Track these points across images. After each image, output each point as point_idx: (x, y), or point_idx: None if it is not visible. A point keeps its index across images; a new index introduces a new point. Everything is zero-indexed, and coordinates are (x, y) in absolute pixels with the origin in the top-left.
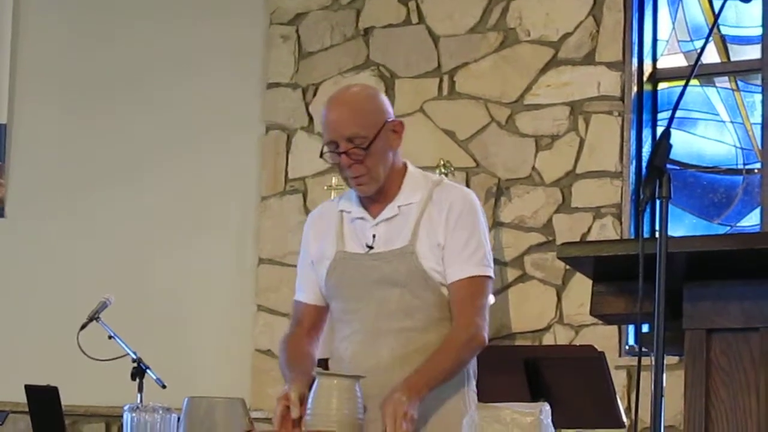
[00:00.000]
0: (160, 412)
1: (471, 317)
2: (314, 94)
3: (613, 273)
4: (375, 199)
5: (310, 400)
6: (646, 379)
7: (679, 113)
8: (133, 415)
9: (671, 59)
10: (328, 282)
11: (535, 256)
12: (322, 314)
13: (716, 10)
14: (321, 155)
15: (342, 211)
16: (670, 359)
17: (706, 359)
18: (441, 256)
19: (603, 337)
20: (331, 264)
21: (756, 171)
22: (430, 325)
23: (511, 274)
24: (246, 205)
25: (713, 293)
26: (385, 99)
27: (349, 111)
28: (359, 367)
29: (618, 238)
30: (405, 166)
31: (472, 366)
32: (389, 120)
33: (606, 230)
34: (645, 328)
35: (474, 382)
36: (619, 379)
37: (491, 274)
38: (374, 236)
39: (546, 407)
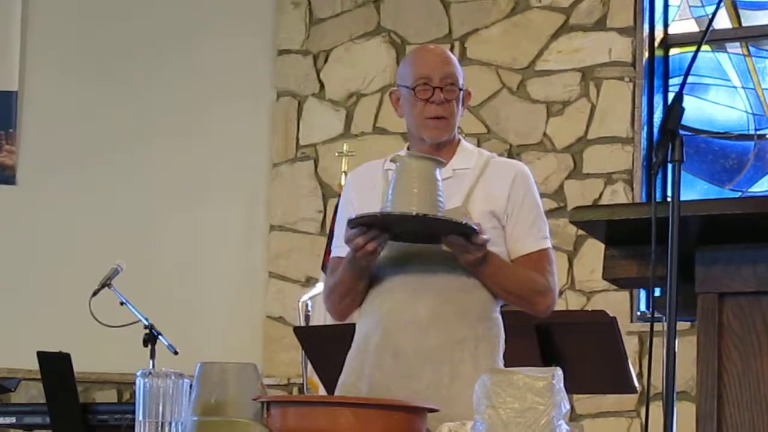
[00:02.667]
0: (173, 377)
1: (548, 280)
2: (325, 61)
3: (626, 237)
4: None
5: (390, 185)
6: (658, 346)
7: (690, 79)
8: (146, 380)
9: (682, 25)
10: None
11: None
12: None
13: None
14: (413, 88)
15: (388, 170)
16: (681, 325)
17: (718, 323)
18: (494, 225)
19: (614, 303)
20: None
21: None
22: (470, 286)
23: None
24: (257, 172)
25: (725, 257)
26: None
27: (446, 56)
28: (394, 322)
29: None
30: (459, 138)
31: (501, 336)
32: (464, 87)
33: (617, 196)
34: (657, 293)
35: (502, 351)
36: (630, 345)
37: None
38: None
39: (558, 372)
